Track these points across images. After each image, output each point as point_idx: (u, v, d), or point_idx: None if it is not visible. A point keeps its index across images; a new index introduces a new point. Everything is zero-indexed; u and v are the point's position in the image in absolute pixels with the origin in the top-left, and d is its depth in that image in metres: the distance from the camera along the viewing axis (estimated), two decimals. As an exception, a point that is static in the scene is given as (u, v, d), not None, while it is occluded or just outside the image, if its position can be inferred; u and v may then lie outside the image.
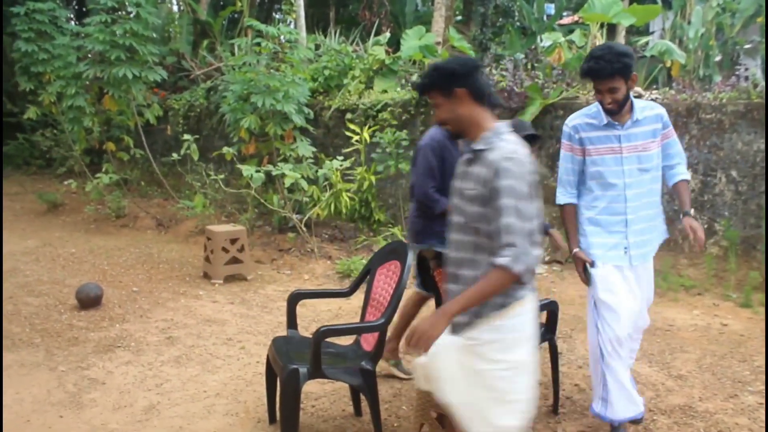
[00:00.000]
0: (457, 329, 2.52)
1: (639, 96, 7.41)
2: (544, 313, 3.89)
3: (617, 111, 3.38)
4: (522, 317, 2.49)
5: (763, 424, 3.84)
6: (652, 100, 7.24)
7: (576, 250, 3.57)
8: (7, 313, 5.63)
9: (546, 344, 3.93)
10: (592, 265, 3.50)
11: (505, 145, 2.43)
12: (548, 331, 3.89)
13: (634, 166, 3.45)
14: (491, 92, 2.55)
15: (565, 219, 3.66)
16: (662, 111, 3.51)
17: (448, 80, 2.49)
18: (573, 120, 3.58)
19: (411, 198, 4.18)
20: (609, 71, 3.26)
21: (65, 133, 9.77)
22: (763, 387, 4.35)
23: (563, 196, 3.64)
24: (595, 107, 3.50)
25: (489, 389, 2.47)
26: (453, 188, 2.63)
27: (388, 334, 4.32)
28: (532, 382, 2.56)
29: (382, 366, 4.28)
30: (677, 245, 6.94)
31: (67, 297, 6.12)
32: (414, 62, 9.91)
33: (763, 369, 4.64)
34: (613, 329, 3.41)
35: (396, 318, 4.39)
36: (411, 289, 4.26)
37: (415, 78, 9.00)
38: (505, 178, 2.34)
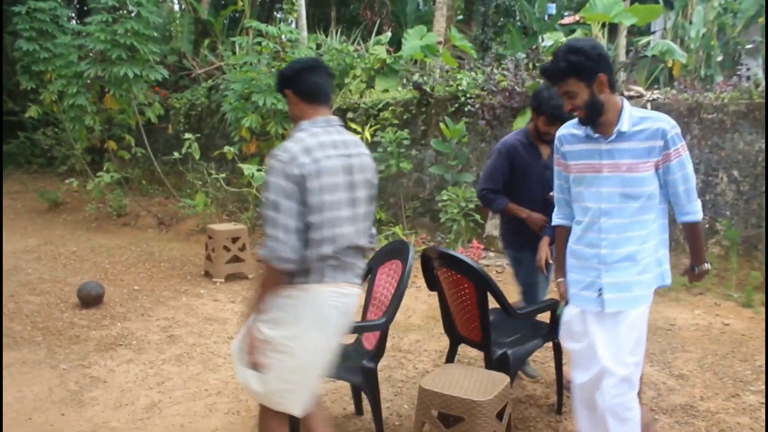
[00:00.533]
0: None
1: (640, 96, 7.41)
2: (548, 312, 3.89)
3: (585, 119, 2.77)
4: (296, 301, 2.59)
5: (764, 424, 3.84)
6: (653, 99, 7.24)
7: (559, 280, 3.11)
8: (9, 312, 5.63)
9: (549, 344, 3.93)
10: (566, 303, 3.04)
11: (284, 142, 2.61)
12: (551, 331, 3.89)
13: (616, 189, 2.79)
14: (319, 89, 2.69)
15: (557, 243, 3.21)
16: (666, 125, 2.75)
17: (280, 84, 2.74)
18: (561, 130, 3.02)
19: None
20: (553, 71, 2.74)
21: (66, 131, 9.79)
22: (764, 386, 4.35)
23: (555, 217, 3.18)
24: None
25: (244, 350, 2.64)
26: None
27: None
28: (295, 367, 2.63)
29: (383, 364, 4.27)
30: (678, 245, 6.93)
31: (69, 295, 6.12)
32: (415, 62, 9.92)
33: (764, 368, 4.64)
34: (575, 379, 2.95)
35: None
36: (412, 288, 4.26)
37: (416, 77, 9.00)
38: (269, 173, 2.53)
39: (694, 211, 2.95)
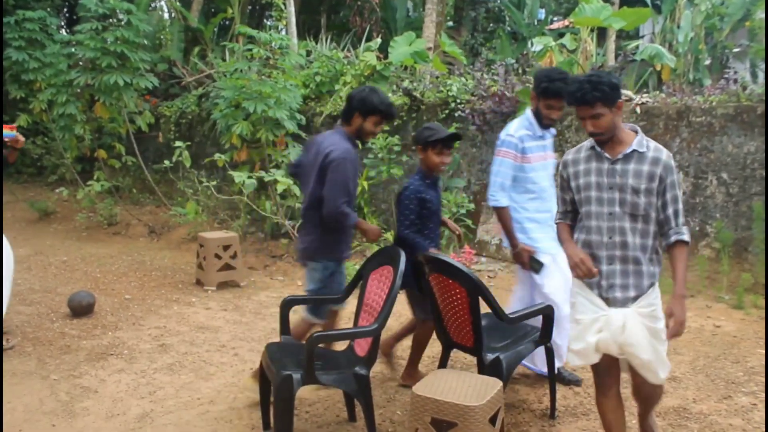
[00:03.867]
0: (624, 303, 3.01)
1: (629, 100, 7.45)
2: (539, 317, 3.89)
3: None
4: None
5: (757, 425, 3.85)
6: (642, 103, 7.28)
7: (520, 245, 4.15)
8: (-1, 322, 5.59)
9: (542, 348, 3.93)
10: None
11: (657, 145, 3.06)
12: (543, 335, 3.89)
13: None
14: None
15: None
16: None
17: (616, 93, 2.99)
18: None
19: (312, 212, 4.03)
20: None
21: (56, 140, 9.75)
22: (756, 388, 4.36)
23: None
24: None
25: (661, 342, 3.04)
26: None
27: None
28: None
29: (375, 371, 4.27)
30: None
31: (59, 305, 6.09)
32: (405, 68, 9.94)
33: (756, 370, 4.65)
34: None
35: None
36: (404, 294, 4.26)
37: (406, 84, 9.02)
38: (672, 173, 2.98)
39: None
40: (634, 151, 2.94)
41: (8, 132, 4.97)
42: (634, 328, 2.95)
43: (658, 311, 3.01)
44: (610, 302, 3.01)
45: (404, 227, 4.04)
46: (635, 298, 2.99)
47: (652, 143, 2.99)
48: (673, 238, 2.93)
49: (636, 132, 3.01)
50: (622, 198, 2.95)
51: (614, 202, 2.97)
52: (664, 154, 2.94)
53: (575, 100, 2.93)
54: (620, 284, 2.99)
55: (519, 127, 4.12)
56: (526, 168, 4.11)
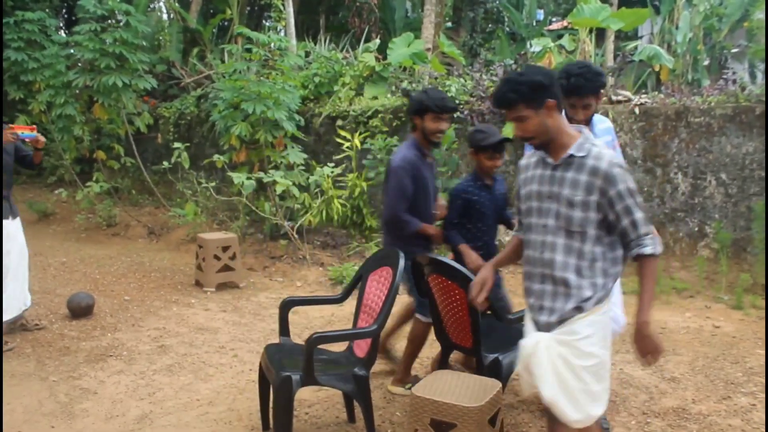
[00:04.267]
0: (547, 328, 2.63)
1: (628, 101, 7.46)
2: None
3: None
4: (607, 313, 2.64)
5: (756, 426, 3.86)
6: (640, 104, 7.28)
7: None
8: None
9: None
10: None
11: (604, 152, 2.61)
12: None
13: None
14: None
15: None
16: None
17: (545, 92, 2.59)
18: None
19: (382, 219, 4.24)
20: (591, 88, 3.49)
21: (55, 142, 9.73)
22: (756, 388, 4.36)
23: None
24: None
25: (581, 381, 2.57)
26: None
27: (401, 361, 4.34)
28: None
29: (376, 370, 4.27)
30: (668, 248, 6.97)
31: (59, 306, 6.08)
32: (404, 69, 9.94)
33: (755, 370, 4.66)
34: None
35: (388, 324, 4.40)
36: (402, 296, 4.26)
37: (405, 84, 9.02)
38: (624, 180, 2.56)
39: None
40: (572, 156, 2.56)
41: (29, 133, 5.05)
42: (541, 356, 2.59)
43: (583, 344, 2.55)
44: (537, 325, 2.68)
45: (445, 224, 4.16)
46: (559, 323, 2.60)
47: (597, 148, 2.56)
48: (634, 252, 2.53)
49: (581, 132, 2.63)
50: (557, 210, 2.57)
51: (550, 213, 2.60)
52: (605, 162, 2.50)
53: (495, 102, 2.64)
54: (548, 307, 2.61)
55: None
56: None
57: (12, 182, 5.26)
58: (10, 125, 5.09)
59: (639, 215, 2.51)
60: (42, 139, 5.12)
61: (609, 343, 2.66)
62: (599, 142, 2.63)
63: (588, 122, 3.49)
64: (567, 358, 2.56)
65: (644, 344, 2.53)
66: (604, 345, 2.61)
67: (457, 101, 8.29)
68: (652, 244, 2.52)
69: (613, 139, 3.78)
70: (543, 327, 2.63)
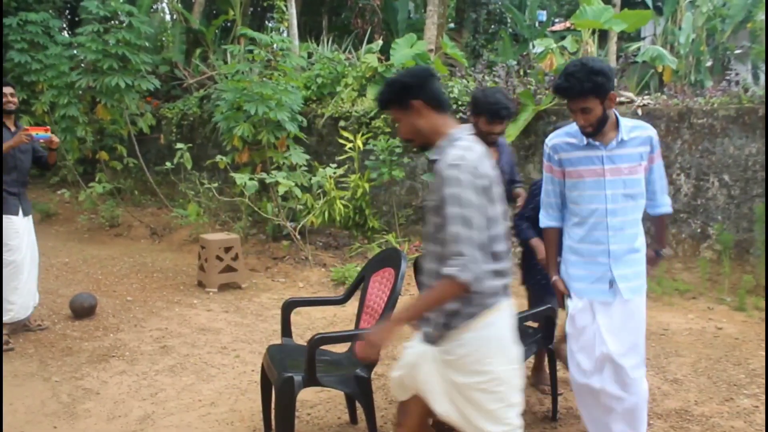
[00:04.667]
0: (430, 340, 2.48)
1: (630, 102, 7.45)
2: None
3: (593, 132, 3.04)
4: (492, 327, 2.42)
5: (759, 428, 3.85)
6: (643, 105, 7.27)
7: (555, 278, 3.32)
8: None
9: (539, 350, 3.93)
10: (569, 296, 3.24)
11: (453, 152, 2.37)
12: (545, 337, 3.89)
13: (619, 191, 3.08)
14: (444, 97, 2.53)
15: (546, 243, 3.42)
16: (653, 133, 3.12)
17: (402, 94, 2.47)
18: (552, 139, 3.23)
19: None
20: (579, 90, 2.93)
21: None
22: (758, 390, 4.35)
23: (544, 219, 3.35)
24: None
25: (469, 400, 2.43)
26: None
27: None
28: (515, 387, 2.50)
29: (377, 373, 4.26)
30: (671, 250, 6.95)
31: (61, 307, 6.09)
32: (407, 70, 9.93)
33: (758, 372, 4.65)
34: (576, 374, 3.23)
35: None
36: (406, 297, 4.26)
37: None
38: (452, 184, 2.28)
39: (668, 204, 3.31)
40: (435, 160, 2.43)
41: (43, 134, 5.11)
42: (428, 369, 2.47)
43: (462, 363, 2.40)
44: (423, 335, 2.53)
45: (518, 215, 4.17)
46: (438, 337, 2.45)
47: (453, 149, 2.37)
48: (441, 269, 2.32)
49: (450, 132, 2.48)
50: (428, 216, 2.48)
51: (428, 219, 2.48)
52: (444, 162, 2.34)
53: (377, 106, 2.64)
54: (426, 317, 2.48)
55: (558, 134, 3.25)
56: (567, 184, 3.21)
57: (27, 182, 5.37)
58: (25, 127, 5.16)
59: (454, 229, 2.25)
60: (56, 139, 5.19)
61: (505, 357, 2.46)
62: (465, 142, 2.41)
63: (595, 128, 3.01)
64: (450, 377, 2.43)
65: (376, 337, 2.44)
66: (492, 361, 2.41)
67: (459, 102, 8.29)
68: (456, 266, 2.24)
69: (651, 152, 3.13)
70: (427, 337, 2.50)
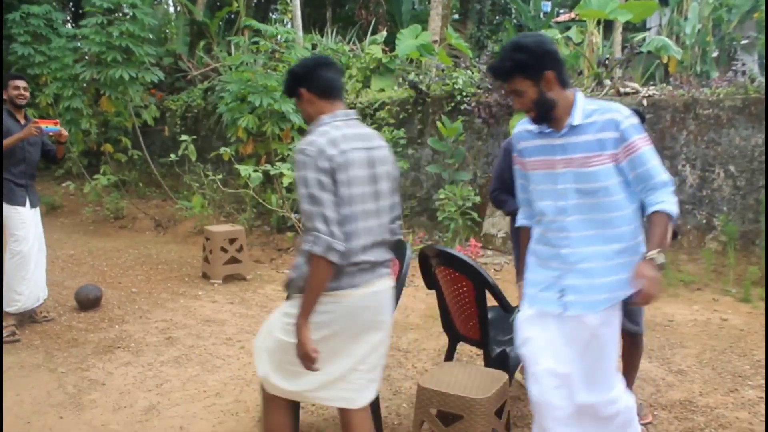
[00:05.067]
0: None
1: (636, 92, 7.42)
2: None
3: (537, 119, 2.65)
4: (331, 308, 2.57)
5: (764, 419, 3.84)
6: (648, 96, 7.24)
7: (519, 282, 2.97)
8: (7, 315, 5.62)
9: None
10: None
11: (307, 137, 2.60)
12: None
13: (571, 185, 2.62)
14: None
15: (520, 243, 3.02)
16: (619, 116, 2.57)
17: (292, 84, 2.73)
18: (517, 126, 2.88)
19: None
20: (501, 70, 2.61)
21: (63, 134, 9.77)
22: (763, 381, 4.35)
23: (519, 217, 3.00)
24: None
25: (274, 342, 2.74)
26: None
27: None
28: (324, 371, 2.63)
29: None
30: (676, 241, 6.93)
31: (66, 298, 6.11)
32: (411, 61, 9.91)
33: (763, 363, 4.64)
34: (531, 392, 2.72)
35: None
36: (410, 287, 4.26)
37: (412, 77, 8.99)
38: (297, 169, 2.52)
39: (663, 201, 2.56)
40: None
41: (52, 127, 5.15)
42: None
43: (282, 321, 2.71)
44: None
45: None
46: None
47: (309, 135, 2.60)
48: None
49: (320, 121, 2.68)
50: None
51: None
52: (297, 147, 2.59)
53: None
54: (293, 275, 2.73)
55: (522, 121, 2.86)
56: (527, 177, 2.84)
57: (35, 174, 5.41)
58: (35, 119, 5.18)
59: (305, 207, 2.49)
60: (65, 133, 5.23)
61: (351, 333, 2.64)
62: (326, 127, 2.58)
63: (536, 113, 2.62)
64: (272, 325, 2.78)
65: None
66: (290, 333, 2.57)
67: (464, 93, 8.27)
68: (310, 242, 2.45)
69: (623, 140, 2.56)
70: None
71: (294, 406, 2.97)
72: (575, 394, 2.63)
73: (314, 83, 2.66)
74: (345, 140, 2.54)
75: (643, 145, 2.55)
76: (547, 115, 2.62)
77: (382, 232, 2.67)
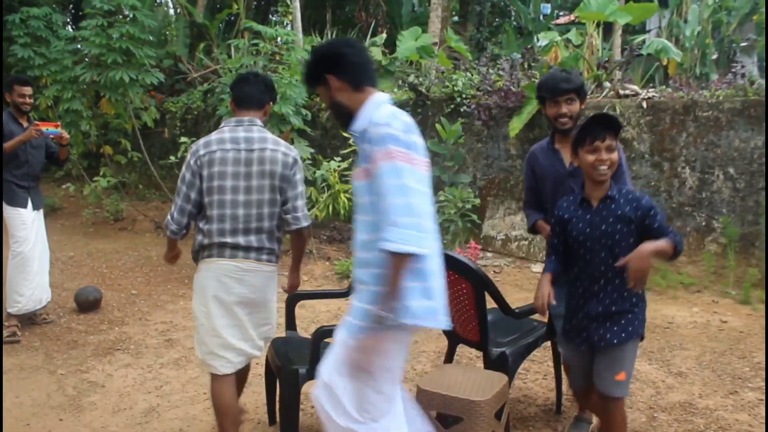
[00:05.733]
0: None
1: (635, 95, 7.42)
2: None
3: (341, 124, 2.60)
4: (199, 273, 3.20)
5: (764, 421, 3.84)
6: (648, 98, 7.25)
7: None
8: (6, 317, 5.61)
9: (548, 343, 3.93)
10: None
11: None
12: (549, 330, 3.88)
13: (356, 198, 2.50)
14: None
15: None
16: (366, 123, 2.39)
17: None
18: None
19: None
20: (305, 78, 2.64)
21: (63, 136, 9.76)
22: (763, 383, 4.35)
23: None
24: None
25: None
26: None
27: None
28: (206, 332, 3.16)
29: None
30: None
31: (66, 300, 6.11)
32: (411, 63, 9.92)
33: (763, 365, 4.64)
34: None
35: None
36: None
37: (411, 79, 9.00)
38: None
39: (389, 239, 2.19)
40: None
41: (53, 129, 5.17)
42: None
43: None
44: None
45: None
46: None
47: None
48: None
49: None
50: None
51: None
52: None
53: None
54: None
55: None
56: None
57: (38, 176, 5.44)
58: (36, 122, 5.20)
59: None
60: (66, 135, 5.27)
61: (202, 299, 3.17)
62: (226, 127, 3.17)
63: (336, 118, 2.59)
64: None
65: None
66: (194, 297, 3.25)
67: (464, 95, 8.28)
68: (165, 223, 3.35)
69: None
70: None
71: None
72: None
73: (233, 94, 3.34)
74: (219, 142, 3.11)
75: (385, 160, 2.27)
76: (344, 119, 2.51)
77: (259, 220, 3.12)
